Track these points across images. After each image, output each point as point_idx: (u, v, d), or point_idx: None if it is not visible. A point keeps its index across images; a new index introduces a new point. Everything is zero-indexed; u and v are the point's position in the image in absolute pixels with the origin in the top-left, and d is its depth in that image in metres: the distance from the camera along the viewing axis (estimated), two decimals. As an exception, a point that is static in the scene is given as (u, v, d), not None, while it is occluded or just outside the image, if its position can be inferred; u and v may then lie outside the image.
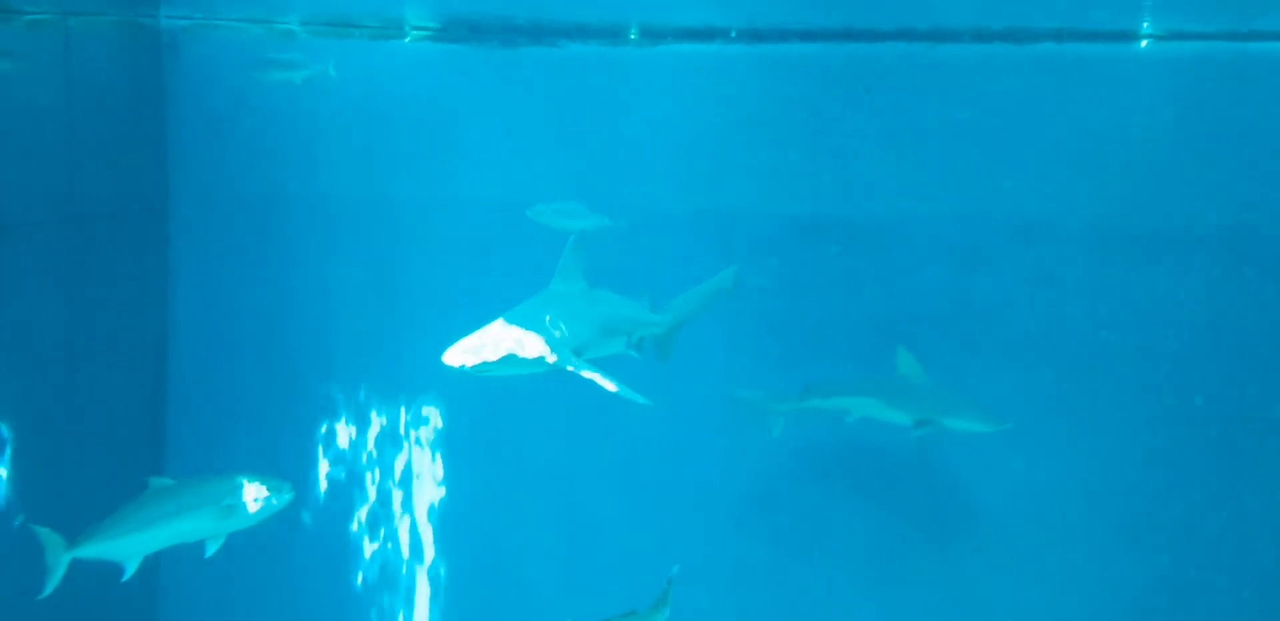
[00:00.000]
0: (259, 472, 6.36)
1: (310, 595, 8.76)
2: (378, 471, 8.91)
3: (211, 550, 6.27)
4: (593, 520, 8.62)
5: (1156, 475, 8.02)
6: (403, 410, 8.87)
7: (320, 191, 8.59)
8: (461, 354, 5.29)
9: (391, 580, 8.93)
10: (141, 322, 8.30)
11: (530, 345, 5.44)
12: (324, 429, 8.85)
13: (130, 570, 6.16)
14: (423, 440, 8.91)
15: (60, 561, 6.09)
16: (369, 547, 8.90)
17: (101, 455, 7.58)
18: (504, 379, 5.47)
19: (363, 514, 8.89)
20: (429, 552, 8.95)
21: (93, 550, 6.11)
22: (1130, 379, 8.08)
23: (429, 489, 8.91)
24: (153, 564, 8.38)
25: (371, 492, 8.90)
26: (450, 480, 8.93)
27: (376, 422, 8.89)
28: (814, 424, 8.04)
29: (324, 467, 8.82)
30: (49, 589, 6.08)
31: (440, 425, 8.88)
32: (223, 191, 8.46)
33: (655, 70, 8.77)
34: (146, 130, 8.21)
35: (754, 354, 8.58)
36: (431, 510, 8.93)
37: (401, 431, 8.92)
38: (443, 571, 8.94)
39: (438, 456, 8.93)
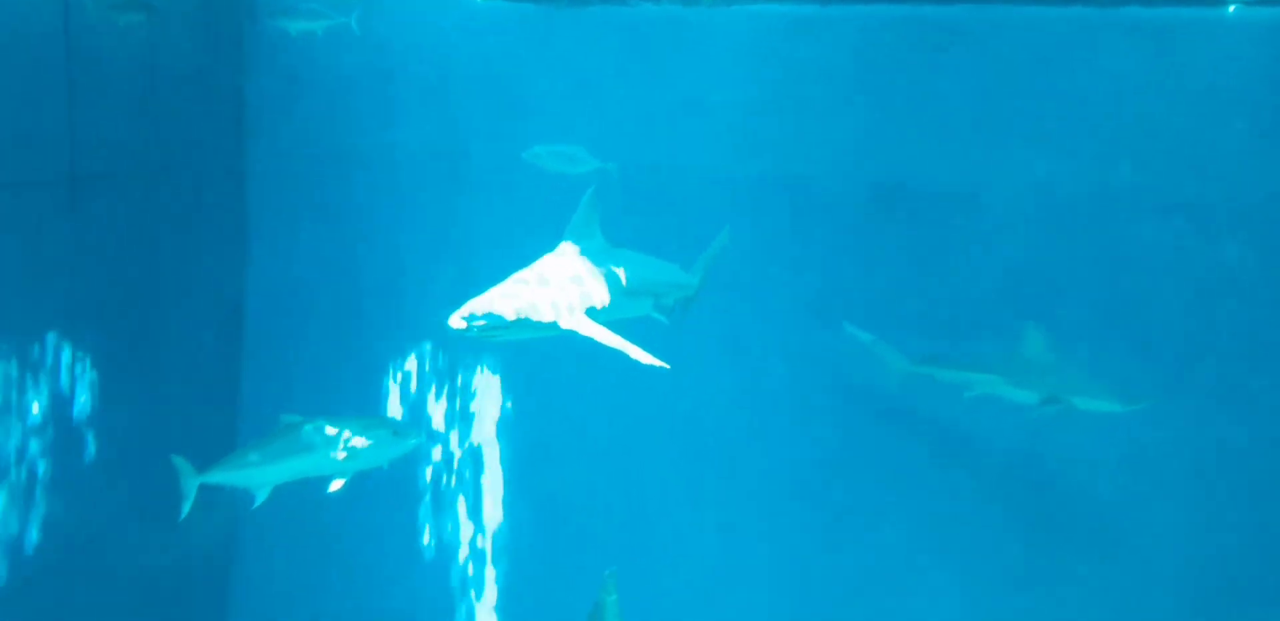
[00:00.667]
0: (388, 417, 6.56)
1: (374, 550, 8.94)
2: (442, 424, 9.03)
3: (332, 488, 6.51)
4: (654, 483, 8.66)
5: (1237, 455, 7.88)
6: (469, 365, 8.96)
7: (393, 148, 8.64)
8: (465, 317, 4.96)
9: (454, 537, 9.08)
10: (219, 273, 8.47)
11: (540, 307, 5.11)
12: (390, 381, 8.97)
13: (259, 499, 6.56)
14: (487, 395, 9.00)
15: (191, 487, 6.50)
16: (432, 501, 9.05)
17: (180, 401, 7.79)
18: (517, 342, 5.22)
19: (426, 468, 9.04)
20: (492, 508, 9.09)
21: (220, 477, 6.52)
22: (1208, 358, 7.92)
23: (492, 444, 9.02)
24: (229, 529, 8.69)
25: (432, 464, 9.02)
26: (513, 435, 9.02)
27: (442, 376, 9.00)
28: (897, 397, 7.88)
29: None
30: (184, 513, 6.49)
31: (504, 381, 8.96)
32: (297, 146, 8.55)
33: (726, 31, 8.66)
34: (223, 85, 8.32)
35: (819, 323, 8.52)
36: (494, 464, 9.05)
37: (467, 385, 9.01)
38: (505, 527, 9.07)
39: (501, 412, 9.02)
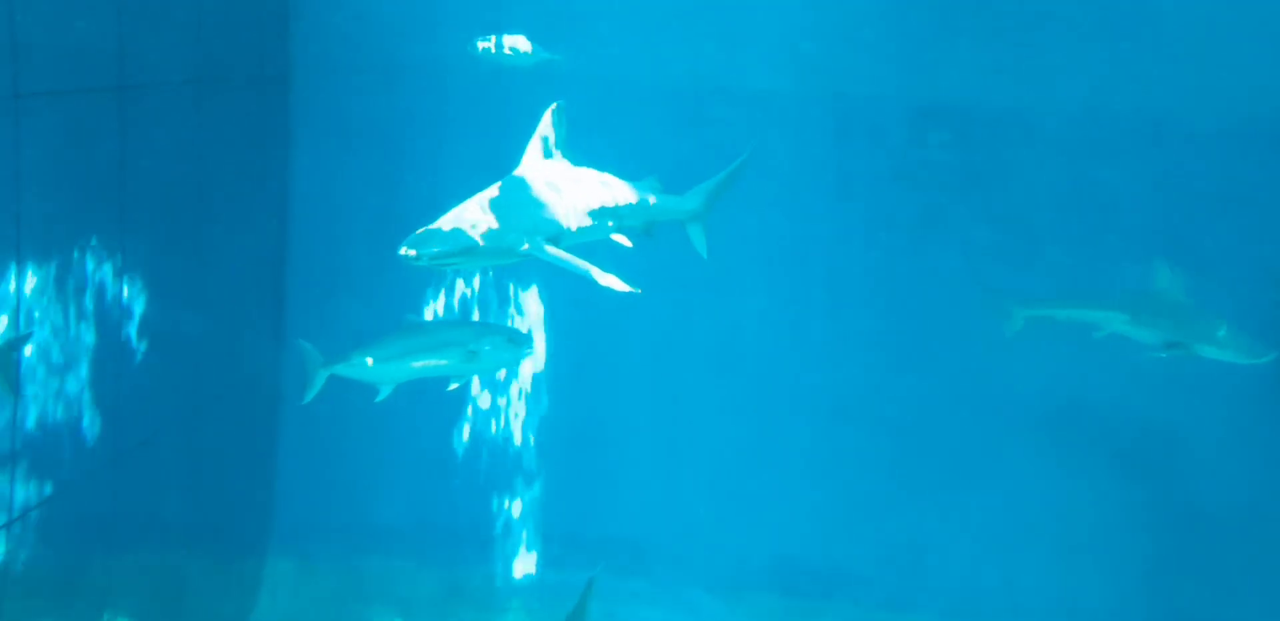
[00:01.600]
0: (505, 324, 6.75)
1: (415, 458, 9.14)
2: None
3: (449, 388, 6.89)
4: (693, 398, 8.75)
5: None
6: (510, 277, 9.02)
7: (437, 61, 8.57)
8: (416, 243, 4.76)
9: (493, 447, 9.25)
10: (263, 183, 8.53)
11: (494, 232, 4.88)
12: (432, 292, 9.06)
13: (383, 394, 6.95)
14: (528, 309, 9.07)
15: (319, 375, 6.98)
16: (473, 412, 9.21)
17: (227, 309, 7.93)
18: (474, 268, 5.25)
19: (465, 395, 9.15)
20: (531, 420, 9.23)
21: (344, 370, 6.96)
22: (1251, 289, 7.82)
23: (530, 372, 9.12)
24: (272, 435, 8.90)
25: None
26: (553, 349, 9.10)
27: (484, 288, 9.06)
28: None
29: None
30: (308, 398, 7.03)
31: (544, 295, 9.02)
32: (342, 59, 8.50)
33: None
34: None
35: (862, 246, 8.48)
36: (534, 377, 9.15)
37: (507, 298, 9.08)
38: (544, 438, 9.23)
39: (542, 325, 9.09)
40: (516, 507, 9.21)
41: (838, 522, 8.81)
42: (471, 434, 9.15)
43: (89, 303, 6.07)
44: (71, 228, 5.91)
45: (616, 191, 5.82)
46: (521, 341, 6.83)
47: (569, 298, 8.89)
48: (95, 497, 6.29)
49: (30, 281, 5.49)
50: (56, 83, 5.61)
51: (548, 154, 5.47)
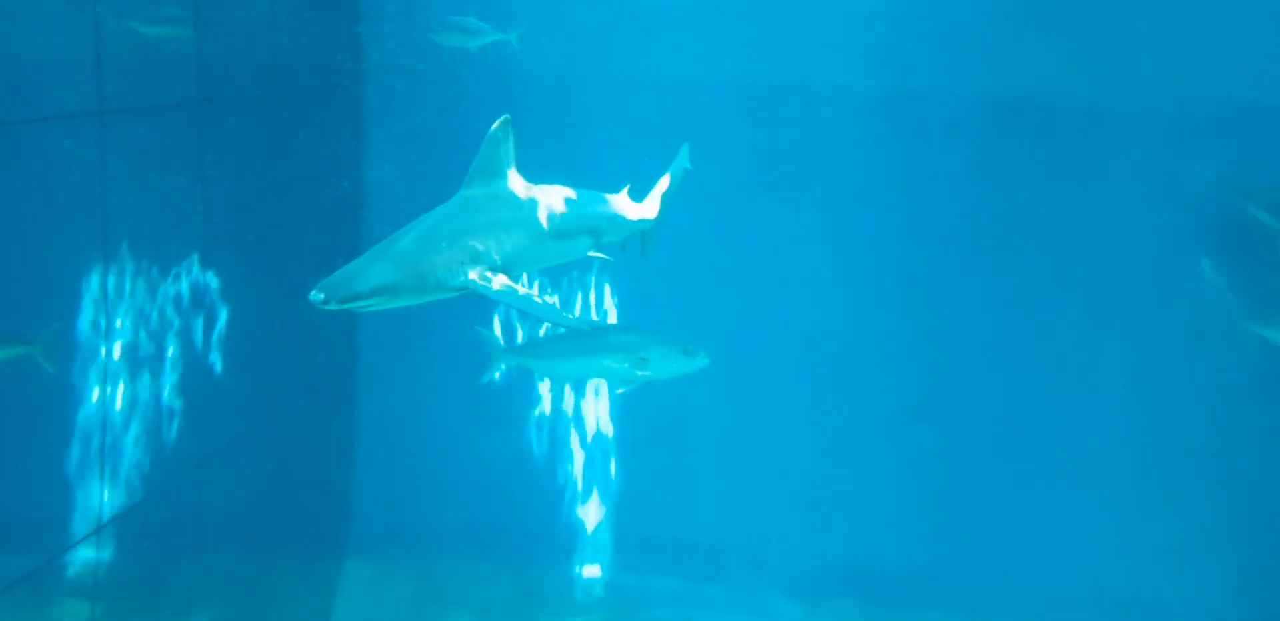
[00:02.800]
0: (681, 334, 6.84)
1: (486, 462, 9.18)
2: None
3: (618, 391, 7.16)
4: (770, 400, 8.66)
5: None
6: (580, 275, 9.01)
7: (504, 67, 8.59)
8: (327, 287, 4.13)
9: (565, 450, 9.25)
10: (337, 193, 8.63)
11: (420, 268, 4.28)
12: (504, 307, 9.08)
13: (554, 387, 7.35)
14: (600, 306, 9.06)
15: (498, 361, 7.34)
16: (543, 414, 9.22)
17: (302, 320, 8.03)
18: (406, 305, 4.43)
19: (539, 398, 9.16)
20: (603, 422, 9.22)
21: (521, 360, 7.35)
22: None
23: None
24: (349, 438, 9.00)
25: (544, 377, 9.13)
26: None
27: (553, 287, 9.07)
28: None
29: (503, 344, 9.09)
30: (485, 379, 7.33)
31: (616, 292, 8.99)
32: (411, 66, 8.56)
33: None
34: (342, 7, 8.35)
35: (940, 244, 8.34)
36: (608, 398, 9.14)
37: (576, 296, 9.08)
38: (616, 440, 9.21)
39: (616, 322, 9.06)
40: (591, 511, 9.21)
41: (919, 526, 8.67)
42: (547, 437, 9.17)
43: (172, 310, 6.18)
44: (156, 237, 6.02)
45: (585, 207, 5.23)
46: (694, 353, 6.80)
47: (644, 297, 8.86)
48: (179, 503, 6.39)
49: (117, 289, 5.59)
50: (139, 98, 5.72)
51: (497, 173, 4.80)
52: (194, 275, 6.36)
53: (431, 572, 9.08)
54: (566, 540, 9.21)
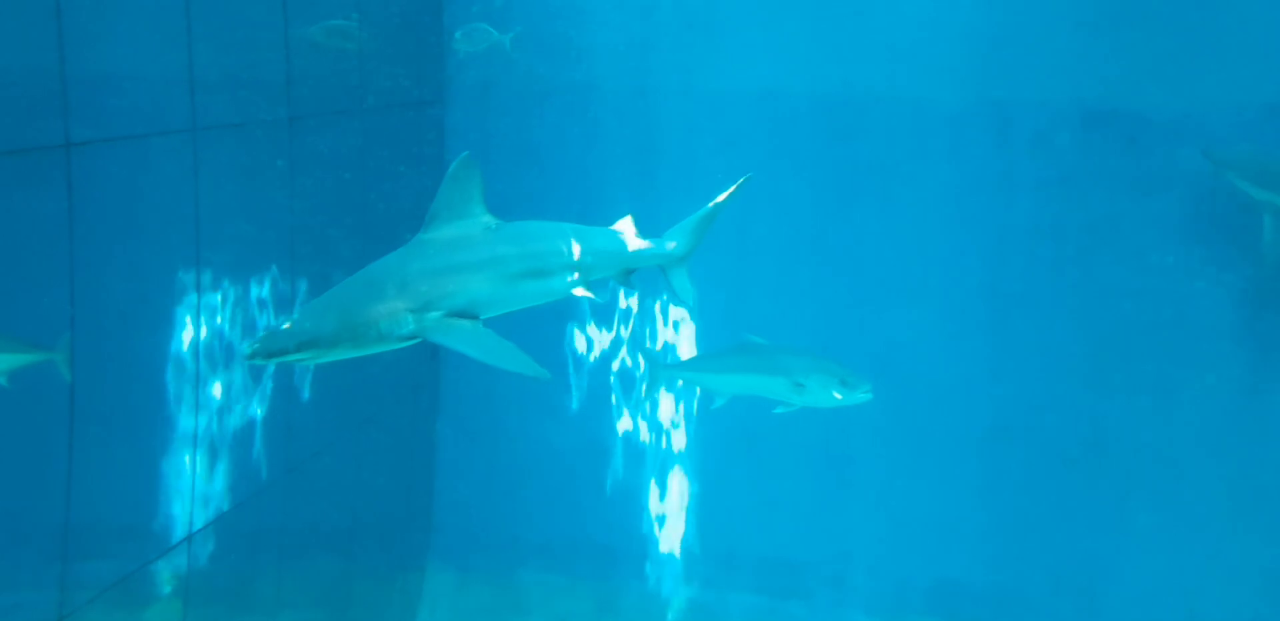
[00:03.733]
0: (843, 364, 6.69)
1: (567, 478, 9.21)
2: (635, 364, 9.15)
3: (780, 413, 6.94)
4: (856, 440, 8.55)
5: None
6: (662, 306, 9.03)
7: (587, 83, 8.66)
8: (260, 341, 3.89)
9: (645, 465, 9.25)
10: (420, 208, 8.76)
11: (362, 318, 4.00)
12: (587, 319, 9.14)
13: (716, 403, 7.27)
14: (679, 322, 9.05)
15: (659, 374, 7.54)
16: (623, 430, 9.23)
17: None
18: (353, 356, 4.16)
19: (620, 412, 9.18)
20: (683, 437, 9.20)
21: (680, 374, 7.50)
22: None
23: (683, 390, 9.08)
24: (430, 455, 9.11)
25: (628, 389, 9.15)
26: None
27: (637, 315, 9.10)
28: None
29: (584, 358, 9.14)
30: (642, 393, 7.58)
31: (700, 322, 8.99)
32: (495, 82, 8.68)
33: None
34: (426, 26, 8.51)
35: (1024, 258, 8.17)
36: (690, 412, 9.12)
37: (656, 312, 9.08)
38: (697, 454, 9.18)
39: (696, 339, 9.05)
40: (672, 526, 9.18)
41: (1004, 544, 8.47)
42: (628, 450, 9.18)
43: (261, 322, 6.33)
44: (246, 250, 6.18)
45: (562, 244, 4.84)
46: (854, 385, 6.61)
47: (725, 312, 8.84)
48: (267, 512, 6.53)
49: (208, 301, 5.75)
50: (231, 116, 5.89)
51: (461, 213, 4.47)
52: (281, 288, 6.51)
53: (512, 583, 9.14)
54: (646, 554, 9.20)
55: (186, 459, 5.67)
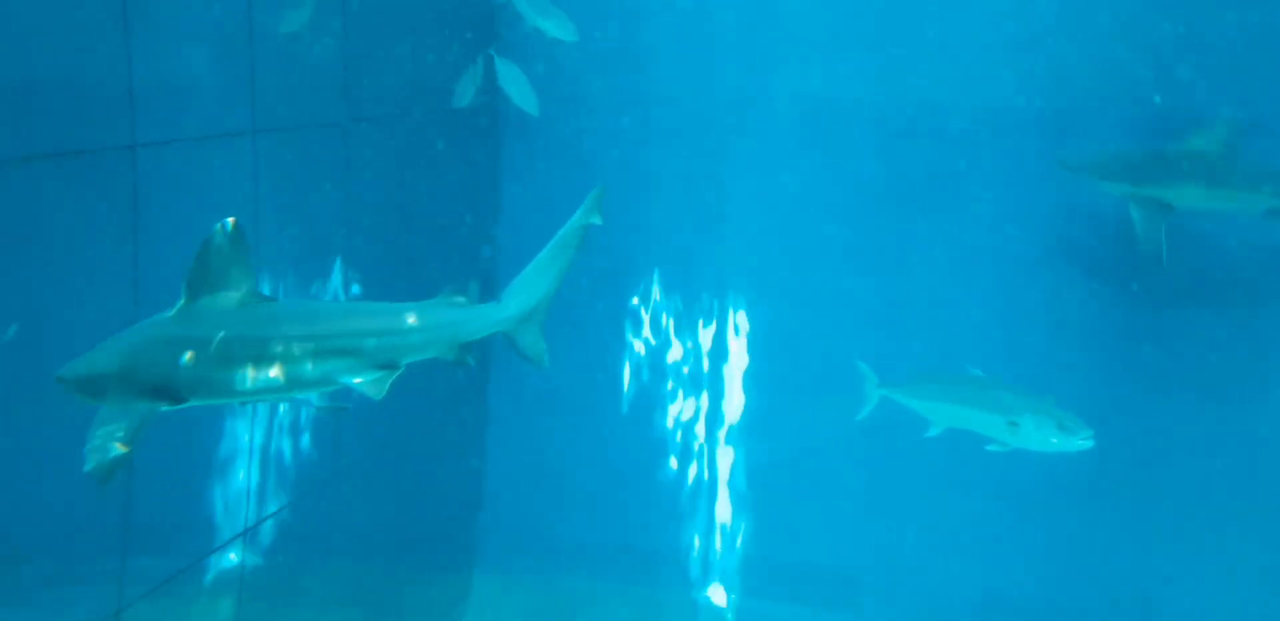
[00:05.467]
0: (1059, 408, 6.41)
1: (614, 483, 9.20)
2: (686, 372, 9.13)
3: (992, 450, 6.66)
4: (908, 450, 8.44)
5: None
6: (710, 304, 9.00)
7: (644, 88, 8.67)
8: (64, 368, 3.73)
9: (692, 473, 9.22)
10: (475, 212, 8.83)
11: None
12: (635, 313, 9.14)
13: (931, 431, 7.03)
14: (730, 331, 9.03)
15: (872, 395, 7.29)
16: (671, 438, 9.21)
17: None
18: None
19: (669, 418, 9.17)
20: (731, 446, 9.16)
21: (898, 396, 7.20)
22: None
23: (733, 379, 9.06)
24: (479, 458, 9.16)
25: (677, 396, 9.14)
26: (759, 389, 9.01)
27: (686, 314, 9.08)
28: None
29: (633, 364, 9.14)
30: (860, 416, 7.27)
31: (749, 317, 8.95)
32: (550, 85, 8.71)
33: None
34: (478, 30, 8.57)
35: (1084, 268, 8.05)
36: (734, 401, 9.09)
37: (707, 322, 9.06)
38: (745, 463, 9.14)
39: (746, 347, 9.02)
40: (719, 534, 9.14)
41: (1058, 558, 8.33)
42: (676, 458, 9.15)
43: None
44: (303, 253, 6.25)
45: (334, 325, 4.29)
46: (1073, 430, 6.33)
47: (775, 319, 8.80)
48: (318, 512, 6.60)
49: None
50: (289, 119, 5.97)
51: (217, 285, 3.95)
52: (336, 290, 6.57)
53: (558, 588, 9.14)
54: (693, 562, 9.16)
55: (239, 460, 5.74)
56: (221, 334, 3.93)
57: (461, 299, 4.67)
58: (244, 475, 5.79)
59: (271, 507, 6.04)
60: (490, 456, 9.26)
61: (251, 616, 5.91)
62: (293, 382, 4.14)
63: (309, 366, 4.15)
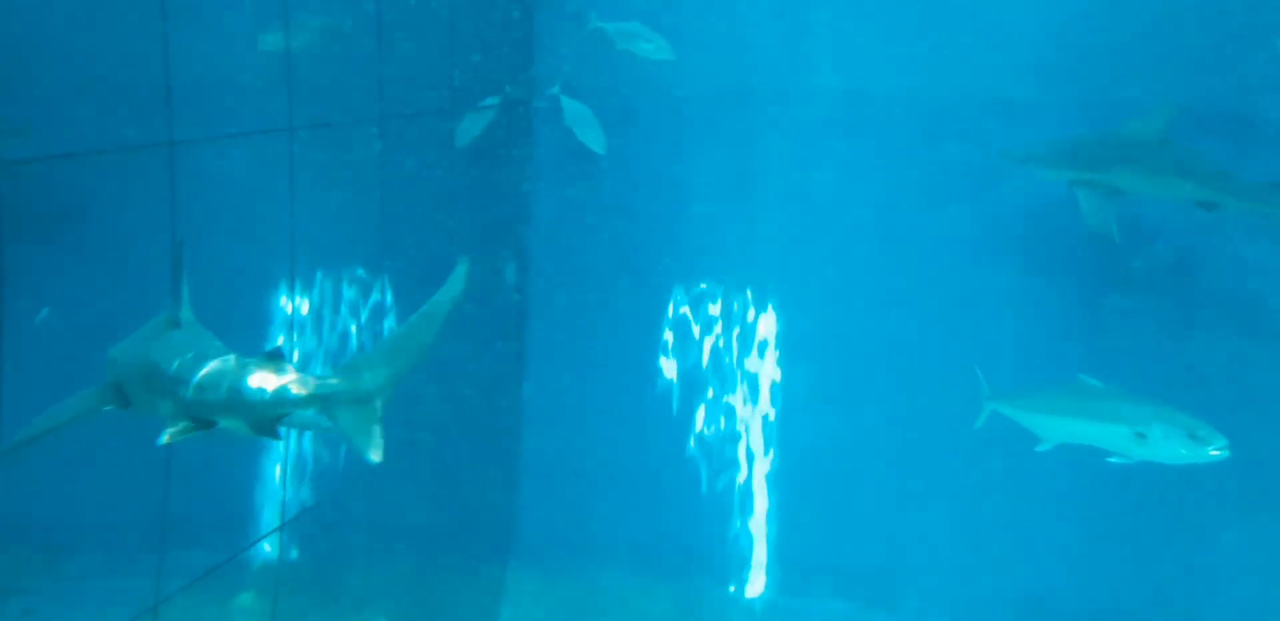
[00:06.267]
0: (1192, 417, 6.00)
1: (651, 480, 9.19)
2: (719, 369, 9.10)
3: (1115, 462, 6.31)
4: (947, 447, 8.36)
5: None
6: (746, 304, 8.96)
7: (674, 85, 8.63)
8: None
9: (728, 470, 9.19)
10: (507, 207, 8.85)
11: None
12: (669, 316, 9.12)
13: (1042, 446, 6.57)
14: (765, 331, 8.98)
15: (985, 407, 6.93)
16: (706, 435, 9.19)
17: (471, 331, 8.24)
18: None
19: (705, 414, 9.14)
20: (767, 443, 9.12)
21: (1010, 410, 6.81)
22: None
23: (769, 378, 9.02)
24: (514, 455, 9.18)
25: (711, 393, 9.11)
26: (791, 370, 8.96)
27: (721, 315, 9.05)
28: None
29: (667, 361, 9.11)
30: (977, 425, 6.92)
31: (783, 318, 8.90)
32: (582, 83, 8.69)
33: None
34: (515, 29, 8.57)
35: (1119, 263, 7.92)
36: (771, 398, 9.05)
37: (743, 322, 9.03)
38: (781, 461, 9.10)
39: (780, 347, 8.97)
40: (756, 531, 9.11)
41: (1099, 557, 8.22)
42: (712, 455, 9.13)
43: (352, 320, 6.42)
44: (338, 248, 6.28)
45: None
46: (1205, 440, 5.90)
47: (808, 316, 8.74)
48: (354, 507, 6.63)
49: (301, 297, 5.85)
50: (325, 116, 5.99)
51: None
52: (369, 285, 6.60)
53: (593, 583, 9.14)
54: (729, 558, 9.13)
55: (275, 455, 5.77)
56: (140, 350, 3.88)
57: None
58: (280, 470, 5.82)
59: (307, 503, 6.08)
60: (526, 452, 9.27)
61: (288, 611, 5.95)
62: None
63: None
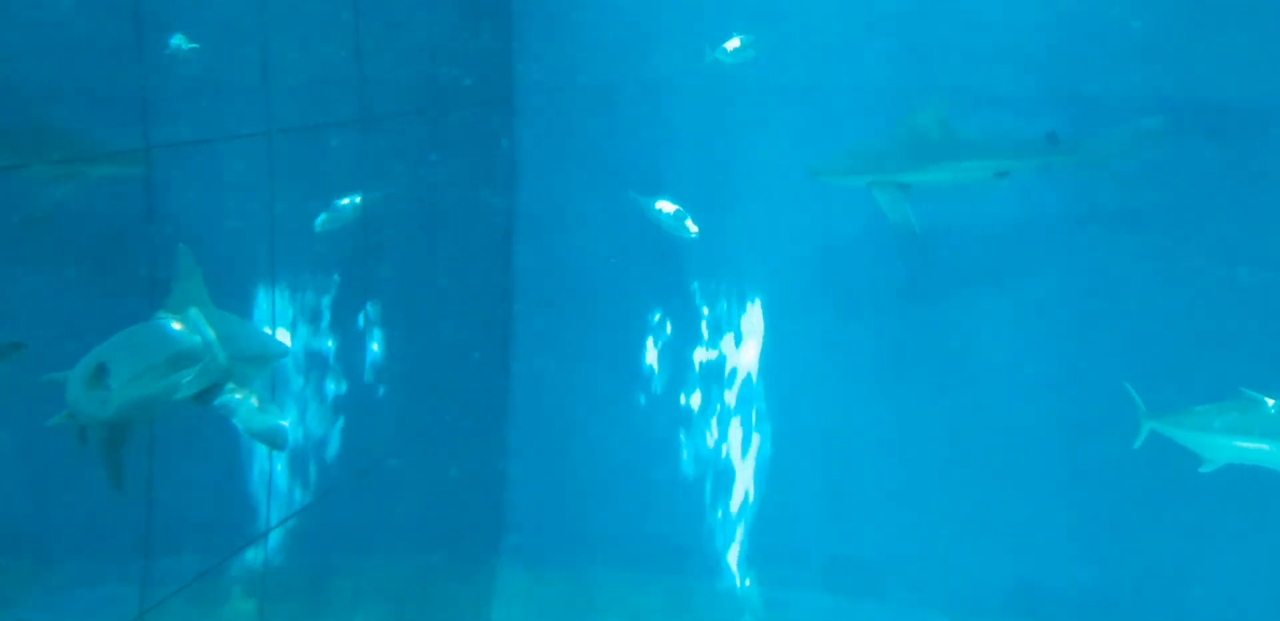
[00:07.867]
0: None
1: (637, 474, 9.20)
2: (710, 364, 9.10)
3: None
4: (924, 419, 8.41)
5: None
6: (732, 296, 8.97)
7: (654, 80, 8.62)
8: None
9: (715, 464, 9.20)
10: (490, 205, 8.84)
11: None
12: (654, 311, 9.12)
13: (1206, 466, 6.26)
14: (751, 325, 8.99)
15: (1143, 426, 6.58)
16: (693, 428, 9.20)
17: (457, 331, 8.23)
18: None
19: (693, 410, 9.15)
20: (753, 437, 9.14)
21: (1171, 429, 6.47)
22: None
23: (755, 373, 9.03)
24: (502, 454, 9.18)
25: (697, 386, 9.12)
26: (777, 366, 8.98)
27: (707, 308, 9.05)
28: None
29: (653, 356, 9.12)
30: (1136, 445, 6.60)
31: (768, 312, 8.91)
32: (563, 80, 8.68)
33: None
34: (494, 27, 8.55)
35: (1110, 252, 7.95)
36: (757, 393, 9.06)
37: (730, 316, 9.03)
38: (767, 454, 9.12)
39: (766, 341, 8.98)
40: (746, 524, 9.13)
41: (1087, 545, 8.26)
42: (702, 449, 9.15)
43: (333, 321, 6.40)
44: (320, 250, 6.25)
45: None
46: None
47: (794, 308, 8.75)
48: (341, 510, 6.61)
49: (282, 300, 5.83)
50: (305, 118, 5.96)
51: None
52: (356, 289, 6.57)
53: (584, 580, 9.14)
54: (720, 552, 9.15)
55: (264, 459, 5.75)
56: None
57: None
58: (266, 475, 5.81)
59: (295, 507, 6.06)
60: (513, 451, 9.27)
61: (277, 615, 5.94)
62: None
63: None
